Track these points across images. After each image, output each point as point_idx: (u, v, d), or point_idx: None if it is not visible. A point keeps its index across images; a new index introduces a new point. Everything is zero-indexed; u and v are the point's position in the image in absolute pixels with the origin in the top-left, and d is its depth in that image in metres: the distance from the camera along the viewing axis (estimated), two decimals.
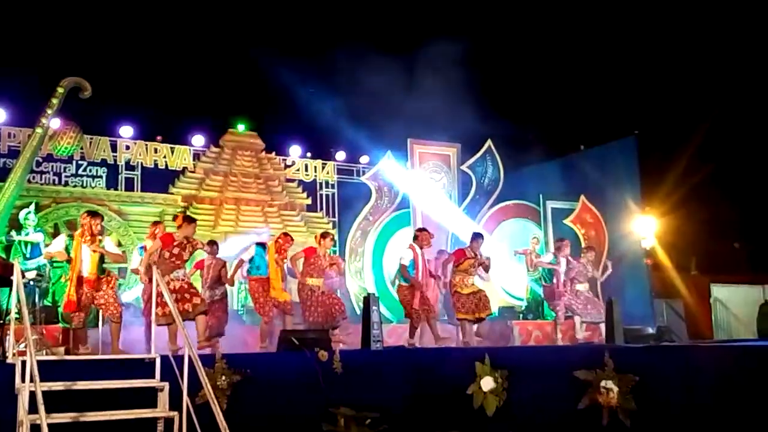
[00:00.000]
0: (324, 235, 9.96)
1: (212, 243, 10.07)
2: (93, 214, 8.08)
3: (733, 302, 12.86)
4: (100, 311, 8.52)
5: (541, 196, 14.72)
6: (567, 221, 14.44)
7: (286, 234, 10.24)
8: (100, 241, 7.97)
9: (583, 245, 13.92)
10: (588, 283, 11.00)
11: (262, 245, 9.80)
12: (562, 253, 10.93)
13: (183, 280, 8.09)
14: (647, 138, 13.88)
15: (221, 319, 9.71)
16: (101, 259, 7.92)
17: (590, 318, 10.70)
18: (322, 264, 9.66)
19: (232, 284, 10.70)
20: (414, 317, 9.65)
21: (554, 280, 10.94)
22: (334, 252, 13.43)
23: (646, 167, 13.71)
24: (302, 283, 9.58)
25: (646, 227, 13.64)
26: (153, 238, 8.90)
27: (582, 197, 14.44)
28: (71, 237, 8.03)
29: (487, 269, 10.14)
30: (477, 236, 10.10)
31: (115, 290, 8.24)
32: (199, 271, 9.96)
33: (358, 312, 12.27)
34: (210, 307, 9.38)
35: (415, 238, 10.16)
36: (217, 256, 9.98)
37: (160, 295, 7.15)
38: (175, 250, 8.08)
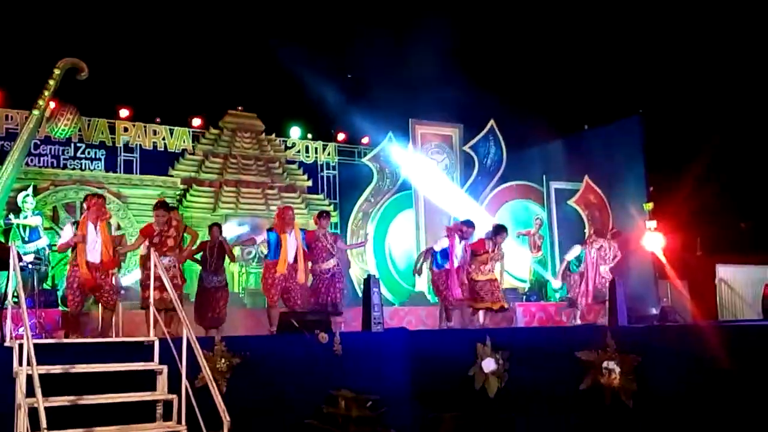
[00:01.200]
0: (320, 215, 9.78)
1: (215, 226, 9.87)
2: (98, 195, 8.25)
3: (738, 283, 12.79)
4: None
5: (544, 176, 14.63)
6: (571, 202, 14.36)
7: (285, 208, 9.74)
8: (109, 224, 8.05)
9: (587, 227, 13.86)
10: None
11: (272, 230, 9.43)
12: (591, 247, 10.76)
13: (173, 267, 8.24)
14: (652, 117, 13.75)
15: (222, 307, 9.50)
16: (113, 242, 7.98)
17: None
18: (325, 244, 9.46)
19: (234, 260, 10.60)
20: (450, 301, 9.50)
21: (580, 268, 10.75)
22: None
23: (650, 147, 13.59)
24: (313, 269, 9.44)
25: (650, 208, 13.55)
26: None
27: (586, 178, 14.34)
28: (76, 223, 7.99)
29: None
30: (501, 230, 9.91)
31: (116, 277, 8.27)
32: (200, 255, 9.70)
33: (360, 294, 12.19)
34: (213, 295, 9.42)
35: (458, 230, 9.87)
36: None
37: (158, 278, 7.11)
38: (156, 239, 8.22)
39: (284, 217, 9.16)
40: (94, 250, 7.72)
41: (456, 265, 9.54)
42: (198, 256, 9.66)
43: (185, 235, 9.14)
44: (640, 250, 13.37)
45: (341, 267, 9.84)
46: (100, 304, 8.28)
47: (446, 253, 9.58)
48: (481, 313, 9.57)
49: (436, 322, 10.20)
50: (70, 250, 7.96)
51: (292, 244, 9.02)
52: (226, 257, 9.63)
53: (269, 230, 9.36)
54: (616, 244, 10.80)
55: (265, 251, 9.58)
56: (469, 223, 9.90)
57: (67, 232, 8.00)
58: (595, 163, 14.22)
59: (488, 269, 9.71)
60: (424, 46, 13.44)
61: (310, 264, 9.42)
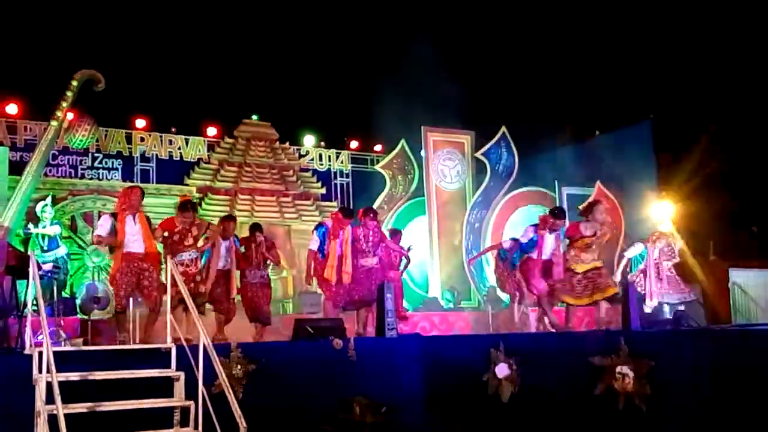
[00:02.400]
0: (365, 212, 9.07)
1: (256, 226, 9.42)
2: (131, 187, 8.12)
3: (751, 286, 12.74)
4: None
5: (556, 182, 14.63)
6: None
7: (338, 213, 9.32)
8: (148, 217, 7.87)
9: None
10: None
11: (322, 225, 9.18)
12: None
13: (190, 265, 7.99)
14: (663, 122, 13.74)
15: (260, 305, 9.08)
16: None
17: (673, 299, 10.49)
18: (362, 245, 8.84)
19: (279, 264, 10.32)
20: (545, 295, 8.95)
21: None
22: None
23: (662, 152, 13.57)
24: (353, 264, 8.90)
25: (662, 212, 13.53)
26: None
27: (598, 183, 14.33)
28: (115, 216, 7.72)
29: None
30: (596, 203, 9.25)
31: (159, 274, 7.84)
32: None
33: None
34: (251, 290, 9.03)
35: (546, 222, 9.21)
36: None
37: (192, 276, 7.14)
38: (176, 237, 8.04)
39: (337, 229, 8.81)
40: (137, 242, 7.53)
41: (545, 256, 8.96)
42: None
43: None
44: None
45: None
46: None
47: (534, 243, 9.00)
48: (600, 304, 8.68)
49: (449, 327, 10.11)
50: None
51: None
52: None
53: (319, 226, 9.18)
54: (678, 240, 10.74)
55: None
56: (560, 213, 9.18)
57: (105, 224, 7.69)
58: (606, 168, 14.21)
59: (590, 258, 8.77)
60: (437, 53, 13.51)
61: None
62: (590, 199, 10.32)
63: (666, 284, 10.38)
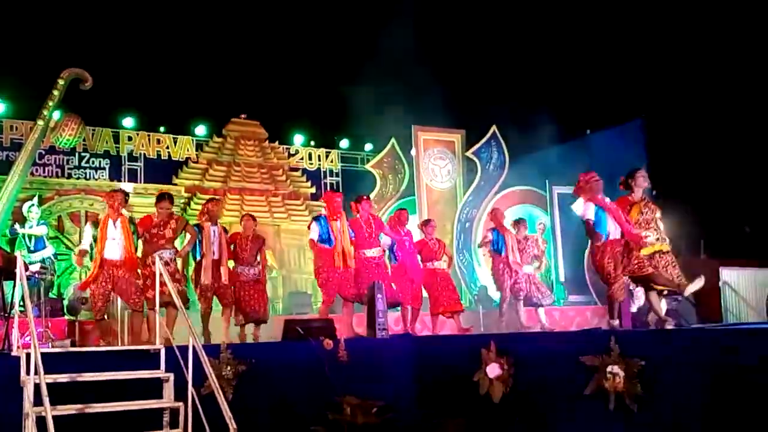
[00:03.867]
0: (358, 200, 9.12)
1: (249, 217, 9.10)
2: (116, 190, 8.08)
3: (742, 286, 12.76)
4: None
5: (547, 181, 14.63)
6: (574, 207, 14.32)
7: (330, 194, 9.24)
8: (132, 220, 7.87)
9: None
10: None
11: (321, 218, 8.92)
12: None
13: (169, 263, 7.79)
14: (654, 121, 13.75)
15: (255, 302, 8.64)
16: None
17: None
18: (364, 233, 8.85)
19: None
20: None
21: None
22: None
23: (653, 150, 13.58)
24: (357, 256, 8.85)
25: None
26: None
27: None
28: (96, 224, 7.90)
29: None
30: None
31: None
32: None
33: None
34: (244, 288, 8.60)
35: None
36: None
37: (152, 276, 7.07)
38: (154, 230, 7.96)
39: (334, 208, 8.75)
40: (115, 248, 7.55)
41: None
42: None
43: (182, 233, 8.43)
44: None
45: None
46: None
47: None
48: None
49: (440, 327, 10.03)
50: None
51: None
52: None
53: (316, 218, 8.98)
54: None
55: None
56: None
57: (86, 237, 7.91)
58: (597, 167, 14.16)
59: (653, 239, 7.39)
60: (427, 51, 13.49)
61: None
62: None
63: None
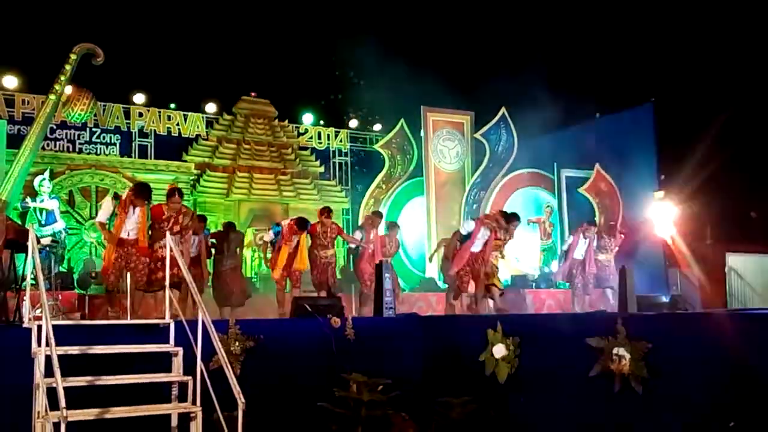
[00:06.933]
0: (321, 212, 10.29)
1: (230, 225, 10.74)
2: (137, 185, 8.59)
3: (748, 272, 12.76)
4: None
5: (555, 164, 14.61)
6: (581, 190, 14.33)
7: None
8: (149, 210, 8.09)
9: (597, 215, 13.87)
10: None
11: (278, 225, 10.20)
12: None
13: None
14: (664, 105, 13.67)
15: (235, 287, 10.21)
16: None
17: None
18: (323, 241, 10.09)
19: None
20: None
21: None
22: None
23: (662, 135, 13.52)
24: (311, 254, 10.06)
25: (661, 197, 13.54)
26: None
27: (597, 166, 14.30)
28: (118, 199, 8.19)
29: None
30: (513, 218, 10.25)
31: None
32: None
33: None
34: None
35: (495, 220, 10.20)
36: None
37: (162, 260, 7.19)
38: (164, 223, 8.18)
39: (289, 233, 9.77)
40: (132, 230, 7.89)
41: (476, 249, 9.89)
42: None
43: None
44: (650, 238, 13.37)
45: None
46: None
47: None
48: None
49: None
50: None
51: None
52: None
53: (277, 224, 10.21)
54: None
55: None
56: (513, 217, 10.21)
57: (106, 208, 8.16)
58: (606, 151, 14.17)
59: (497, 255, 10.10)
60: (437, 32, 13.44)
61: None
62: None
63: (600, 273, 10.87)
